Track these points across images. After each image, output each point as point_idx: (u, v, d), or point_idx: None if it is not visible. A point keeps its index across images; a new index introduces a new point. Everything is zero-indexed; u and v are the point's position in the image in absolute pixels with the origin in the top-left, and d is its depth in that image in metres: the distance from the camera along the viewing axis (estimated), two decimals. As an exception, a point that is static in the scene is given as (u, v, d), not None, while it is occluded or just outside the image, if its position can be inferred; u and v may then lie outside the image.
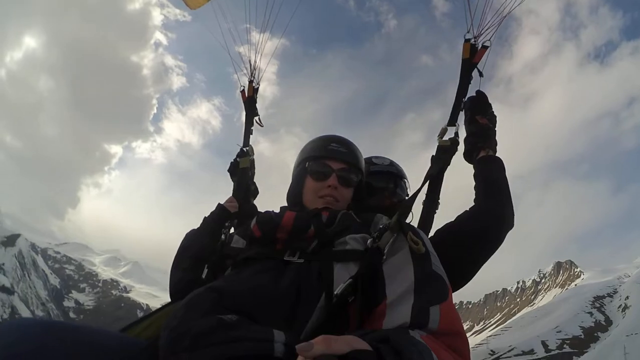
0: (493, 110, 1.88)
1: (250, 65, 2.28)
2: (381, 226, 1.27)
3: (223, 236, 1.64)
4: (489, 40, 1.83)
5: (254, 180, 2.17)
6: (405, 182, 2.14)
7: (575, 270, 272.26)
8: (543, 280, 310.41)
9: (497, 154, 1.82)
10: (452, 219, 1.70)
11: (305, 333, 1.05)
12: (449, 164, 1.75)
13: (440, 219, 1.76)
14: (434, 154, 1.78)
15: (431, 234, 1.70)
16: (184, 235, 1.75)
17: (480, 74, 1.85)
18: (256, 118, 2.24)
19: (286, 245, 1.31)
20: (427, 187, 1.75)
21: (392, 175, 2.11)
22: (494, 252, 1.68)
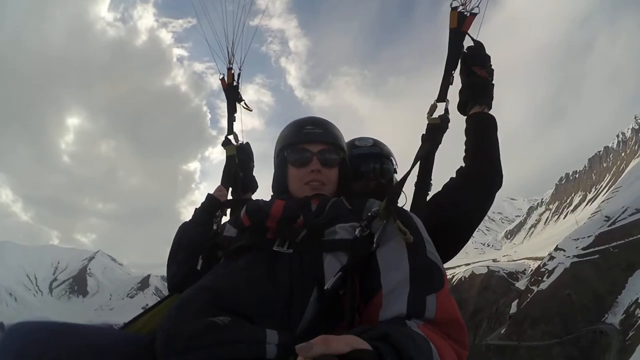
0: (491, 64, 1.76)
1: (228, 51, 2.22)
2: (369, 213, 1.25)
3: (215, 226, 1.64)
4: (477, 6, 1.68)
5: (254, 168, 2.18)
6: (392, 161, 2.07)
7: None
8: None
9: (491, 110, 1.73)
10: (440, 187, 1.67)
11: (300, 329, 1.05)
12: (439, 143, 1.64)
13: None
14: (424, 133, 1.65)
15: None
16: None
17: (475, 42, 1.74)
18: (242, 103, 2.21)
19: (276, 234, 1.29)
20: (417, 168, 1.64)
21: (376, 155, 2.02)
22: (484, 215, 1.66)
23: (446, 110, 1.68)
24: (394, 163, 2.08)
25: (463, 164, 1.70)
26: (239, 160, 2.08)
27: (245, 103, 2.22)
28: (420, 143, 1.64)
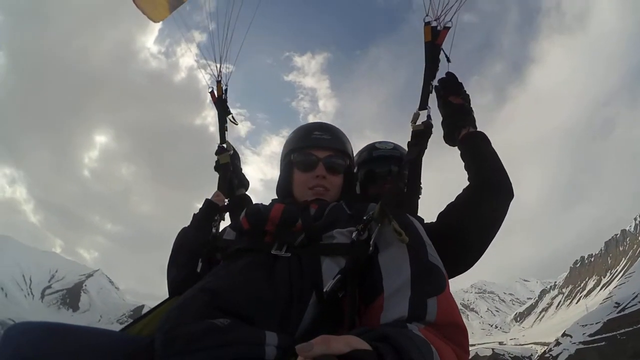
0: (465, 89, 1.80)
1: (217, 65, 2.31)
2: (365, 217, 1.25)
3: (214, 229, 1.67)
4: (450, 21, 1.74)
5: (243, 172, 2.25)
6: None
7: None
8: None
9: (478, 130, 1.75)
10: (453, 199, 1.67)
11: (299, 331, 1.05)
12: (425, 148, 1.69)
13: (424, 207, 1.75)
14: (410, 140, 1.71)
15: (433, 219, 1.66)
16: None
17: (448, 59, 1.77)
18: (229, 116, 2.28)
19: (274, 238, 1.29)
20: (407, 173, 1.70)
21: (396, 159, 2.04)
22: (498, 228, 1.61)
23: (428, 116, 1.71)
24: None
25: (468, 184, 1.66)
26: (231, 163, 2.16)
27: (232, 117, 2.30)
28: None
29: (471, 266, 1.64)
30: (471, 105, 1.80)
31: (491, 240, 1.61)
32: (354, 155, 1.87)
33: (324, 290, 1.08)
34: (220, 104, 2.29)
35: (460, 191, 1.66)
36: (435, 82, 1.79)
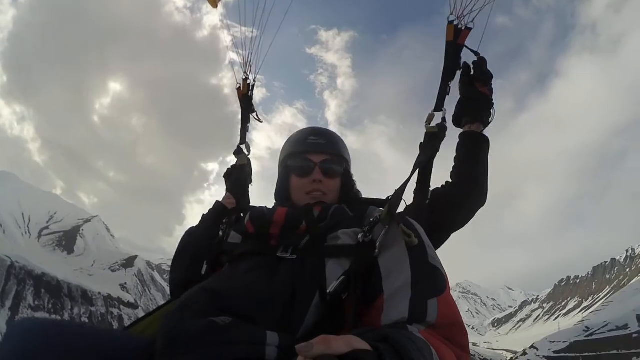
0: (492, 83, 1.75)
1: (245, 62, 2.25)
2: (371, 219, 1.26)
3: (221, 232, 1.64)
4: (471, 22, 1.73)
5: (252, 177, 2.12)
6: None
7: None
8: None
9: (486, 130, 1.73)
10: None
11: (301, 332, 1.06)
12: (437, 151, 1.67)
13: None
14: (422, 142, 1.69)
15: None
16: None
17: (476, 54, 1.74)
18: (253, 114, 2.23)
19: (279, 241, 1.31)
20: (417, 175, 1.67)
21: None
22: (463, 225, 1.68)
23: (443, 119, 1.70)
24: None
25: (450, 179, 1.70)
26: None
27: (257, 114, 2.24)
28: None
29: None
30: (493, 101, 1.74)
31: (449, 235, 1.68)
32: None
33: (328, 291, 1.09)
34: (246, 101, 2.23)
35: (436, 187, 1.68)
36: (459, 70, 1.75)
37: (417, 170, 1.61)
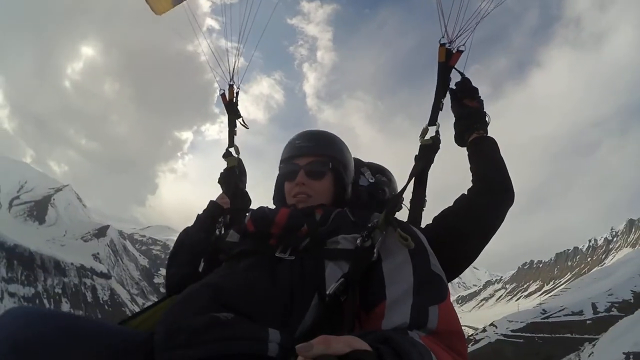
0: (480, 95, 1.84)
1: (230, 68, 2.26)
2: (370, 225, 1.27)
3: (217, 231, 1.70)
4: (463, 45, 1.81)
5: (245, 180, 2.23)
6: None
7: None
8: (615, 239, 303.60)
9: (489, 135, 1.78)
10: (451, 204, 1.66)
11: (300, 332, 1.06)
12: (432, 162, 1.73)
13: (429, 216, 1.73)
14: (417, 154, 1.75)
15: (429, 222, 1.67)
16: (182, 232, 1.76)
17: (462, 75, 1.85)
18: (239, 120, 2.26)
19: (279, 241, 1.32)
20: (412, 185, 1.71)
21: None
22: (494, 233, 1.63)
23: (437, 132, 1.77)
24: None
25: (472, 186, 1.69)
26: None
27: (242, 120, 2.29)
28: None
29: (461, 272, 1.65)
30: (485, 110, 1.81)
31: (485, 245, 1.64)
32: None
33: (328, 292, 1.10)
34: (231, 107, 2.27)
35: (458, 196, 1.68)
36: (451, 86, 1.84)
37: (412, 180, 1.63)
